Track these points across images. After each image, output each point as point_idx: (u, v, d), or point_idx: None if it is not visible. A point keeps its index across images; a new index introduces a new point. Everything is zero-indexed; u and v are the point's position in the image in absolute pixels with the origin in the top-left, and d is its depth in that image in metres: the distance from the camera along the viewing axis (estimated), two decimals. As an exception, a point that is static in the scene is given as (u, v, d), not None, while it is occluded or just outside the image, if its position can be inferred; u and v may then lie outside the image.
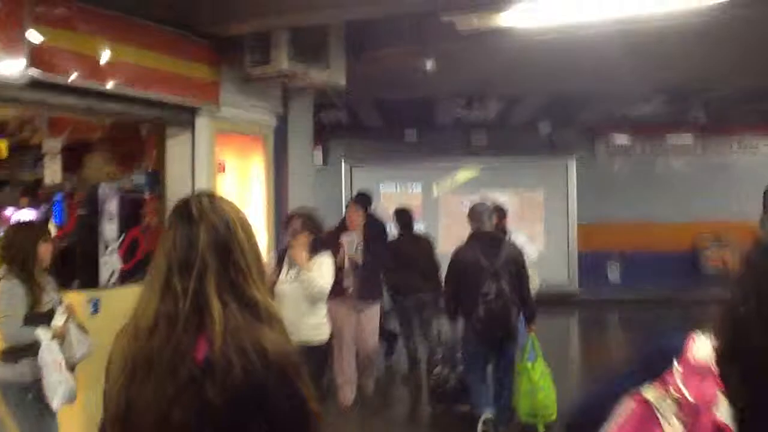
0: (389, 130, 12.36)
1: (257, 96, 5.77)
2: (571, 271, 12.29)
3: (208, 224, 1.63)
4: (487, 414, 5.35)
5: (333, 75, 5.56)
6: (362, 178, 12.55)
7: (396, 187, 12.53)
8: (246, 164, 5.87)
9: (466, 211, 5.80)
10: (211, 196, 1.71)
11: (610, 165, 12.45)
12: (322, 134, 12.43)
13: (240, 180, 5.77)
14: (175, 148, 5.34)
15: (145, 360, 1.55)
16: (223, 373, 1.51)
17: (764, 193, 7.47)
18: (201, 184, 5.23)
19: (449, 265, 5.64)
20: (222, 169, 5.47)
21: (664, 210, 12.28)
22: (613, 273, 12.42)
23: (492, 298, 5.18)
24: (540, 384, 5.48)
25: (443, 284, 5.97)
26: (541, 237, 12.31)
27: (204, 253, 1.60)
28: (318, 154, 12.33)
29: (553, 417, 5.49)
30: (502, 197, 12.13)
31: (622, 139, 12.40)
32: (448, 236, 11.91)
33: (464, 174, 12.45)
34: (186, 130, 5.28)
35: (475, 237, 5.52)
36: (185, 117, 5.24)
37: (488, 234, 5.57)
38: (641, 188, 12.33)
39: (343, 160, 12.61)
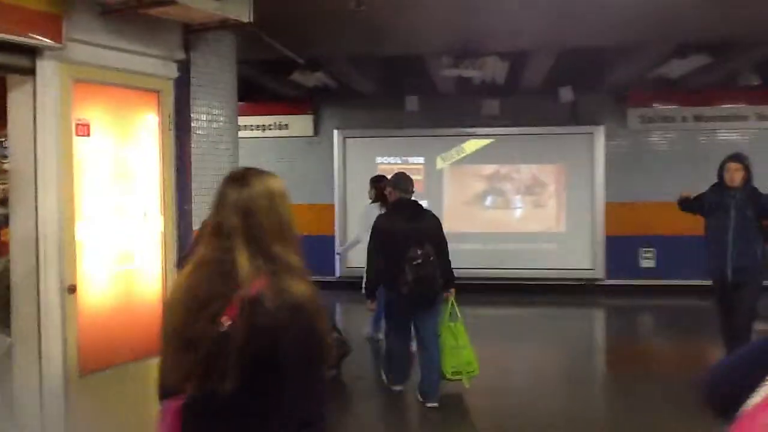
0: (388, 98, 10.87)
1: (140, 36, 4.39)
2: (596, 257, 10.70)
3: (243, 193, 2.08)
4: (400, 387, 5.95)
5: (228, 7, 4.15)
6: (357, 150, 11.13)
7: (394, 159, 11.07)
8: (129, 127, 4.51)
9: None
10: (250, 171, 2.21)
11: (644, 136, 10.75)
12: (312, 102, 11.05)
13: (118, 148, 4.41)
14: (18, 102, 4.02)
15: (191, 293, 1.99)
16: (250, 306, 1.89)
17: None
18: (47, 149, 3.92)
19: (374, 235, 5.82)
20: (84, 131, 4.12)
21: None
22: (647, 260, 10.77)
23: (419, 263, 5.32)
24: (462, 342, 5.81)
25: (369, 255, 6.01)
26: (561, 216, 10.73)
27: (232, 216, 2.03)
28: (308, 124, 10.97)
29: (476, 372, 5.86)
30: (517, 172, 10.62)
31: (658, 106, 10.68)
32: (452, 213, 10.47)
33: (473, 145, 10.91)
34: (27, 79, 3.94)
35: (399, 205, 5.82)
36: (24, 61, 3.90)
37: (411, 202, 5.86)
38: (681, 163, 10.62)
39: (335, 131, 11.19)
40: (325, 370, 2.01)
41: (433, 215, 5.90)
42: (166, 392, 2.03)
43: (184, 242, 4.79)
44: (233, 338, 1.85)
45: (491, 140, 10.87)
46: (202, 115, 5.06)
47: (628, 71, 9.28)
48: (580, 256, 10.73)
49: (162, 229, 4.69)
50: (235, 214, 2.01)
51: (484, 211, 10.99)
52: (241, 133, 11.48)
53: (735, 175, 5.85)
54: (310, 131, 11.24)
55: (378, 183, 7.69)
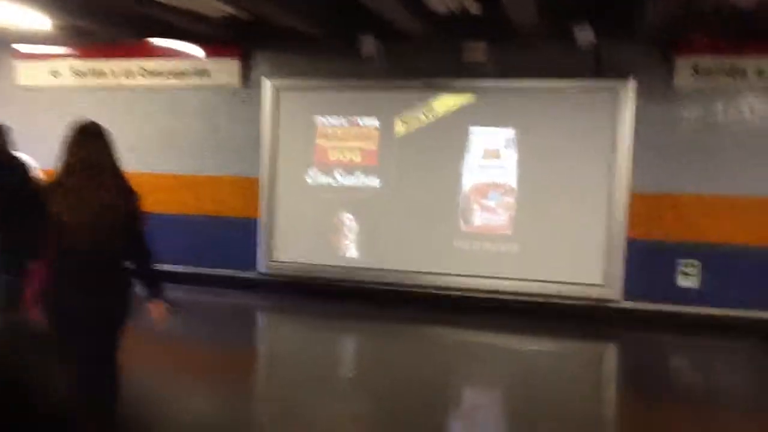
0: (338, 40, 7.94)
1: None
2: (610, 268, 7.45)
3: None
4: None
5: None
6: (293, 106, 8.24)
7: (340, 121, 8.12)
8: None
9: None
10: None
11: (698, 98, 7.34)
12: (241, 43, 8.25)
13: None
14: None
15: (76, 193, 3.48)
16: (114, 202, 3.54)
17: None
18: None
19: None
20: None
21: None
22: (687, 277, 7.43)
23: None
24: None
25: None
26: (565, 208, 7.54)
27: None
28: (233, 71, 8.17)
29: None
30: (503, 138, 7.51)
31: (723, 56, 7.24)
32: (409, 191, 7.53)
33: (446, 102, 7.80)
34: None
35: None
36: None
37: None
38: (750, 142, 7.22)
39: (265, 80, 8.32)
40: None
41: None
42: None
43: None
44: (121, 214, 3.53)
45: (471, 97, 7.72)
46: None
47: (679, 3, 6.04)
48: (587, 266, 7.51)
49: None
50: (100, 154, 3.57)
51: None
52: (153, 80, 8.92)
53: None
54: (235, 81, 8.42)
55: None
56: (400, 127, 7.92)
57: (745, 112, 7.23)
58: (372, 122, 7.99)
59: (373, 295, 8.03)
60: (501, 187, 7.71)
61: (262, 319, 8.38)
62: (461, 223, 7.80)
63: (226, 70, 8.42)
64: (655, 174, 7.41)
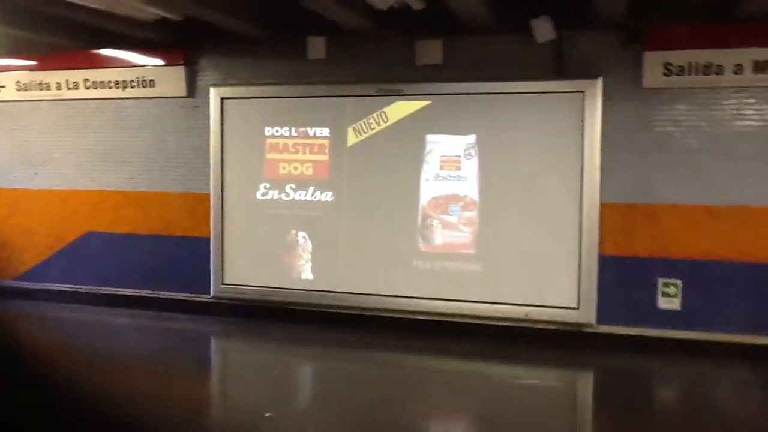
0: (284, 42, 7.39)
1: None
2: (583, 289, 6.73)
3: None
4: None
5: None
6: (239, 116, 7.67)
7: (289, 131, 7.51)
8: None
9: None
10: None
11: (671, 99, 6.63)
12: (186, 49, 7.72)
13: None
14: None
15: None
16: None
17: None
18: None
19: None
20: None
21: (772, 188, 6.48)
22: (668, 298, 6.69)
23: None
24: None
25: None
26: (533, 223, 6.85)
27: None
28: (179, 80, 7.63)
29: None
30: (461, 147, 6.87)
31: (697, 49, 6.53)
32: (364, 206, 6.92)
33: (401, 108, 7.17)
34: None
35: None
36: None
37: None
38: (731, 146, 6.49)
39: (212, 89, 7.75)
40: None
41: None
42: None
43: None
44: None
45: (427, 102, 7.08)
46: None
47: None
48: (557, 287, 6.81)
49: None
50: None
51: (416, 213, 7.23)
52: (98, 93, 8.38)
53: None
54: (182, 90, 7.87)
55: None
56: (352, 137, 7.29)
57: (724, 112, 6.49)
58: (323, 132, 7.37)
59: (330, 318, 7.39)
60: (461, 200, 7.04)
61: (212, 345, 7.76)
62: (420, 241, 7.13)
63: (172, 79, 7.88)
64: (628, 183, 6.71)
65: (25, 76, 8.44)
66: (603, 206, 6.73)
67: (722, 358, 6.46)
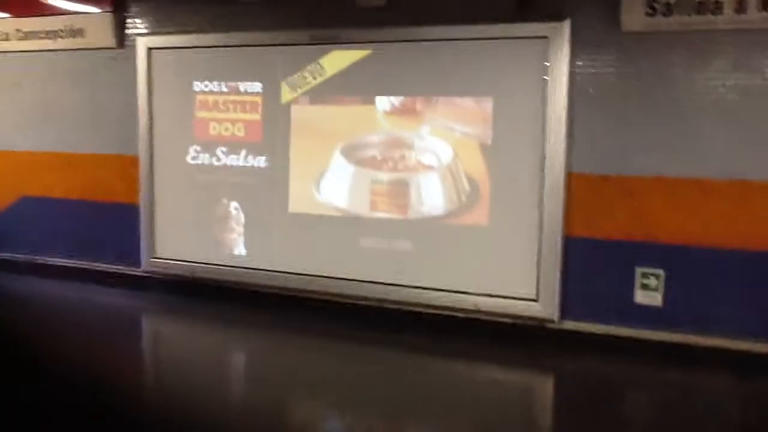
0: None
1: None
2: (542, 276, 5.61)
3: None
4: None
5: None
6: (167, 70, 6.76)
7: (219, 86, 6.57)
8: None
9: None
10: None
11: (654, 48, 5.32)
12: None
13: None
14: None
15: None
16: None
17: None
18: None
19: None
20: None
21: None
22: (648, 291, 5.49)
23: None
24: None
25: None
26: (481, 198, 5.76)
27: None
28: (107, 29, 6.78)
29: None
30: (405, 108, 5.80)
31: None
32: (301, 172, 5.95)
33: (337, 60, 6.11)
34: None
35: None
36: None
37: None
38: (728, 105, 5.18)
39: (138, 39, 6.86)
40: None
41: None
42: None
43: None
44: None
45: (367, 52, 6.00)
46: None
47: None
48: (512, 274, 5.70)
49: None
50: None
51: (358, 180, 6.18)
52: (27, 44, 7.57)
53: None
54: (111, 40, 7.01)
55: None
56: (286, 93, 6.29)
57: (723, 62, 5.18)
58: (254, 87, 6.39)
59: (262, 300, 6.50)
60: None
61: (137, 324, 6.98)
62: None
63: (101, 28, 7.01)
64: (601, 149, 5.51)
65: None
66: (570, 177, 5.56)
67: (709, 367, 5.25)
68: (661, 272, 5.43)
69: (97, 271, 7.34)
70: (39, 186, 7.61)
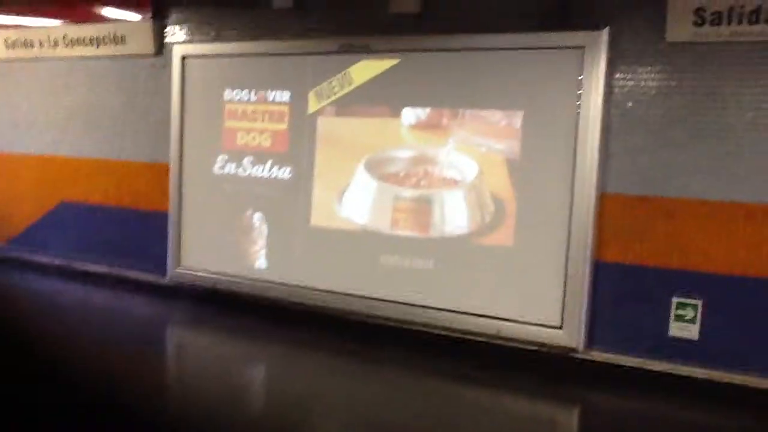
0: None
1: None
2: (568, 302, 5.23)
3: None
4: None
5: None
6: (200, 78, 6.73)
7: (249, 95, 6.48)
8: None
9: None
10: None
11: (700, 60, 4.92)
12: (155, 2, 6.90)
13: None
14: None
15: None
16: None
17: None
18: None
19: None
20: None
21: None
22: (684, 323, 5.05)
23: None
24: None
25: None
26: (506, 219, 5.45)
27: None
28: (147, 36, 6.84)
29: None
30: (436, 121, 5.56)
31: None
32: (325, 185, 5.79)
33: (367, 69, 5.93)
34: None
35: None
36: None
37: None
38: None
39: (174, 47, 6.87)
40: None
41: None
42: None
43: None
44: None
45: (395, 61, 5.80)
46: None
47: None
48: (538, 299, 5.35)
49: None
50: None
51: (380, 196, 5.96)
52: (73, 51, 7.69)
53: None
54: (150, 48, 7.05)
55: None
56: (313, 103, 6.14)
57: (769, 75, 4.75)
58: (283, 96, 6.27)
59: (282, 314, 6.34)
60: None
61: (153, 334, 6.90)
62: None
63: (141, 35, 7.06)
64: (639, 168, 5.11)
65: (12, 34, 7.95)
66: (603, 198, 5.18)
67: (747, 408, 4.76)
68: (698, 303, 4.98)
69: (133, 279, 7.32)
70: (78, 192, 7.67)
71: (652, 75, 5.07)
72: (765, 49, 4.76)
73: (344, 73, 5.96)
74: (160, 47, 7.02)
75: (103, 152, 7.49)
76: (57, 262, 7.83)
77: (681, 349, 5.04)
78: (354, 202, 5.97)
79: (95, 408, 4.21)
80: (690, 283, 5.00)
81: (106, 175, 7.49)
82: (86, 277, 7.58)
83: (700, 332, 4.98)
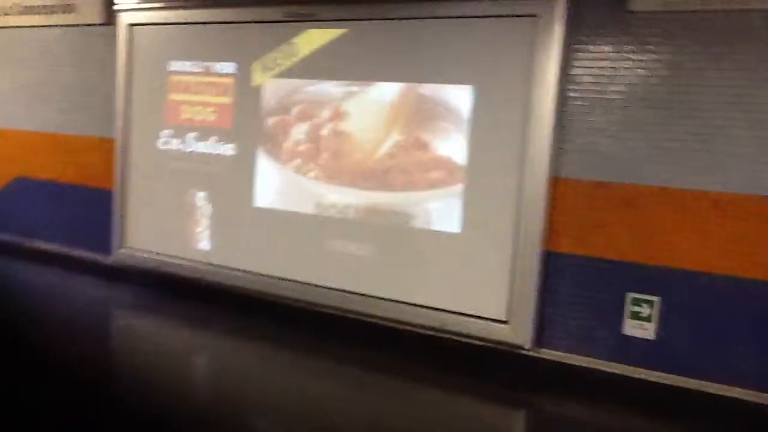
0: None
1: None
2: (514, 296, 4.79)
3: None
4: None
5: None
6: (145, 48, 6.34)
7: (194, 66, 6.08)
8: None
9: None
10: None
11: (668, 31, 4.43)
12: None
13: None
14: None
15: None
16: None
17: None
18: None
19: None
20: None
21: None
22: (639, 321, 4.59)
23: None
24: None
25: None
26: (451, 202, 5.01)
27: None
28: (95, 4, 6.46)
29: None
30: (384, 95, 5.14)
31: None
32: (281, 173, 5.41)
33: (313, 39, 5.51)
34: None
35: None
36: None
37: None
38: (759, 106, 4.26)
39: (120, 15, 6.48)
40: None
41: None
42: None
43: None
44: None
45: (343, 31, 5.37)
46: None
47: None
48: (483, 292, 4.91)
49: None
50: None
51: (311, 179, 5.54)
52: (24, 19, 7.32)
53: None
54: (99, 16, 6.67)
55: None
56: (258, 75, 5.73)
57: (755, 50, 4.25)
58: (227, 68, 5.86)
59: (225, 299, 5.96)
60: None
61: (94, 317, 6.56)
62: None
63: (90, 3, 6.68)
64: (596, 152, 4.65)
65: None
66: (555, 182, 4.73)
67: (704, 417, 4.31)
68: (655, 299, 4.52)
69: (73, 258, 6.99)
70: (32, 167, 7.35)
71: (614, 48, 4.59)
72: (741, 20, 4.26)
73: (290, 43, 5.53)
74: (111, 16, 6.63)
75: (59, 126, 7.14)
76: (8, 239, 7.52)
77: (635, 349, 4.58)
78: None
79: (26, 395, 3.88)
80: (649, 278, 4.53)
81: (56, 151, 7.14)
82: (35, 256, 7.25)
83: (657, 332, 4.52)
